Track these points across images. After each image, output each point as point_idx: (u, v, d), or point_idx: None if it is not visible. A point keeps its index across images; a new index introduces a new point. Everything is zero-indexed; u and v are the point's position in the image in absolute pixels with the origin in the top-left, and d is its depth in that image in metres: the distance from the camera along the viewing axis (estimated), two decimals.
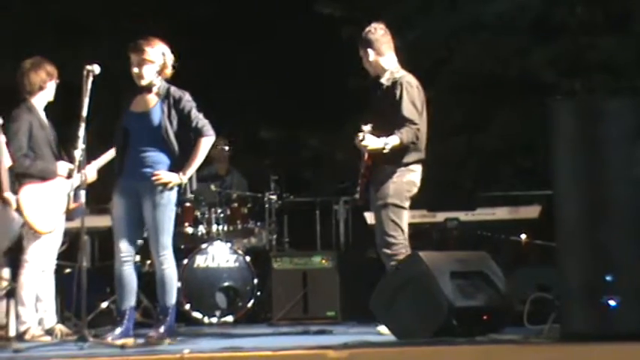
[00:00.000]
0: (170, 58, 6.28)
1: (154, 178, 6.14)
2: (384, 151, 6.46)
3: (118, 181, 6.28)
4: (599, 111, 5.08)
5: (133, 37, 6.36)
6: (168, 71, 6.29)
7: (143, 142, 6.20)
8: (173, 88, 6.27)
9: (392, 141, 6.44)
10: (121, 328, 6.14)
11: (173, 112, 6.20)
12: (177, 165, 6.21)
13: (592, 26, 9.69)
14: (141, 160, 6.19)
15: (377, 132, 6.51)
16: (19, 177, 6.73)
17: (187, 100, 6.25)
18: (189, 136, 6.26)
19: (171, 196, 6.18)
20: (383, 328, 6.41)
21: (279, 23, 11.38)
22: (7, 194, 6.65)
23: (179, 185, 6.23)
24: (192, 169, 6.29)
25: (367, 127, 6.50)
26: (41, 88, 6.87)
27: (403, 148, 6.49)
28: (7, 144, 6.69)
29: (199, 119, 6.25)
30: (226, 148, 9.27)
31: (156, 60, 6.22)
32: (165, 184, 6.14)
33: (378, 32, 6.73)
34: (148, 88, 6.26)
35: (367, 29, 6.75)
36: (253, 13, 11.43)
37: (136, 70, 6.22)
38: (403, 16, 10.08)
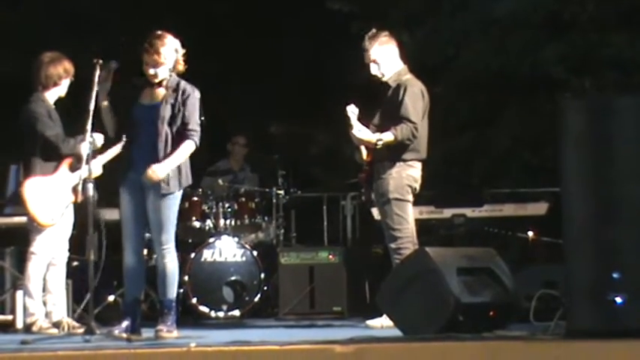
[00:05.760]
0: (182, 53, 6.22)
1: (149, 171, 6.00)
2: (377, 147, 6.66)
3: (126, 175, 6.21)
4: (609, 108, 5.05)
5: (145, 31, 6.29)
6: (181, 67, 6.22)
7: (150, 135, 6.13)
8: (183, 82, 6.22)
9: (386, 137, 6.68)
10: (128, 322, 6.14)
11: (181, 105, 6.17)
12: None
13: (603, 23, 9.66)
14: (147, 153, 6.12)
15: (384, 130, 6.68)
16: (26, 169, 6.74)
17: (195, 98, 6.19)
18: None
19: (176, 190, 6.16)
20: (372, 322, 6.47)
21: (289, 19, 11.38)
22: None
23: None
24: (166, 167, 6.04)
25: (352, 109, 6.69)
26: (55, 84, 6.84)
27: (400, 145, 6.67)
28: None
29: (194, 122, 6.15)
30: (239, 144, 9.33)
31: (170, 58, 6.17)
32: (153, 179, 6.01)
33: (388, 36, 6.91)
34: (159, 82, 6.22)
35: (377, 31, 6.91)
36: (263, 10, 11.43)
37: (151, 71, 6.14)
38: (413, 12, 10.08)
